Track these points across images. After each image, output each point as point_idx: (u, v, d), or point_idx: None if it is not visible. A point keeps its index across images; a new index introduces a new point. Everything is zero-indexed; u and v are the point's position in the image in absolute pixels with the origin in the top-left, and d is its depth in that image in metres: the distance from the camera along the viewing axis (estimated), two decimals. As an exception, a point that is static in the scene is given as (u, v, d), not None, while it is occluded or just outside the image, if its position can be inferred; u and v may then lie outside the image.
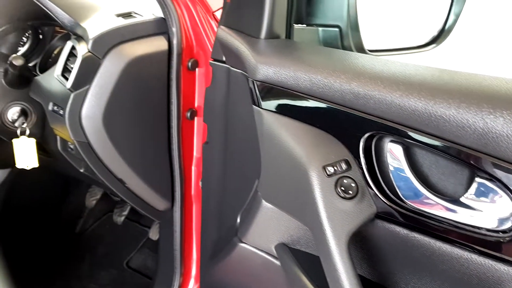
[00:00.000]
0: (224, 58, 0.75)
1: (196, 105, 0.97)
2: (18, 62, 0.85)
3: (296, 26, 0.67)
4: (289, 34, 0.66)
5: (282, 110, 0.58)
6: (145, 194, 0.98)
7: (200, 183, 1.03)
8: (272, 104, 0.59)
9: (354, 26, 0.65)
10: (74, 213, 1.58)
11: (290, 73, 0.55)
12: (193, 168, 1.03)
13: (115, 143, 0.87)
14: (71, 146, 0.91)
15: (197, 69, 0.94)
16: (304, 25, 0.69)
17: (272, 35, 0.64)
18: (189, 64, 0.91)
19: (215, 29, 0.90)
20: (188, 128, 0.98)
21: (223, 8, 0.73)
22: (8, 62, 0.85)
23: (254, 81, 0.60)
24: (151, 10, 0.93)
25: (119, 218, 1.43)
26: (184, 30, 0.88)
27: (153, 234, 1.40)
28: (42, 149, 1.04)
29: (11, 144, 1.11)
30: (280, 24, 0.64)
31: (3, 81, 0.89)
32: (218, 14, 0.90)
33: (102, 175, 0.90)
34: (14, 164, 1.34)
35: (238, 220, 0.75)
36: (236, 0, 0.68)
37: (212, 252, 0.86)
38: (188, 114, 0.96)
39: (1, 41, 1.12)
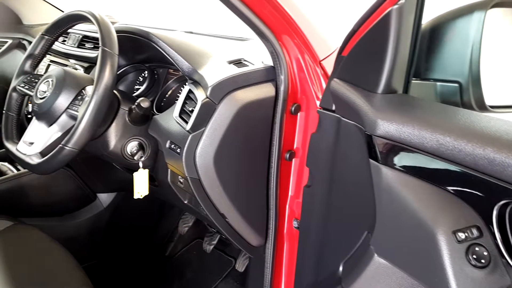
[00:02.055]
0: (333, 108, 0.77)
1: (294, 147, 1.01)
2: (145, 104, 0.95)
3: (412, 80, 0.68)
4: (406, 89, 0.67)
5: (404, 167, 0.58)
6: (242, 229, 1.02)
7: (293, 223, 1.05)
8: (392, 160, 0.60)
9: (476, 81, 0.64)
10: (166, 237, 1.67)
11: (414, 131, 0.56)
12: (287, 207, 1.06)
13: (221, 180, 0.92)
14: (181, 180, 0.98)
15: (299, 113, 0.98)
16: (421, 80, 0.70)
17: (389, 90, 0.65)
18: (292, 108, 0.96)
19: (321, 76, 0.94)
20: (285, 169, 1.02)
21: (337, 61, 0.76)
22: (136, 103, 0.96)
23: (373, 136, 0.61)
24: (259, 57, 1.00)
25: (209, 247, 1.49)
26: (291, 77, 0.93)
27: (239, 265, 1.43)
28: (151, 179, 1.13)
29: (118, 171, 1.23)
30: (399, 79, 0.65)
31: (127, 119, 1.00)
32: (325, 63, 0.93)
33: (207, 208, 0.96)
34: (120, 189, 1.48)
35: (341, 268, 0.75)
36: (353, 55, 0.70)
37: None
38: (287, 155, 0.99)
39: (121, 79, 1.27)
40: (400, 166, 0.60)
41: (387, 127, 0.59)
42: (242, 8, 0.84)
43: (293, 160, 1.01)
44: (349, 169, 0.72)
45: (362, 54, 0.69)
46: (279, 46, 0.89)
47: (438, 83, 0.69)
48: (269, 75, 0.94)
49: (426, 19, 0.68)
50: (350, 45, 0.71)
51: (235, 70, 0.92)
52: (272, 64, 0.94)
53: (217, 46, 1.09)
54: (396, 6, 0.61)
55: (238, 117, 0.89)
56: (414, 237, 0.55)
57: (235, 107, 0.88)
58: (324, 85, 0.93)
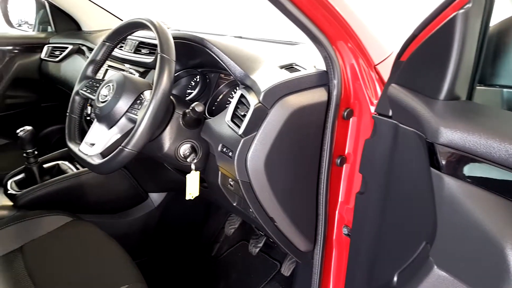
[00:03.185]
0: (390, 113, 0.76)
1: (346, 152, 0.99)
2: (200, 108, 0.98)
3: (477, 87, 0.65)
4: (470, 95, 0.64)
5: (469, 178, 0.56)
6: (290, 233, 1.02)
7: (343, 230, 1.03)
8: (456, 170, 0.58)
9: (547, 88, 0.61)
10: (212, 237, 1.71)
11: (481, 140, 0.53)
12: (336, 213, 1.05)
13: (271, 183, 0.93)
14: (231, 183, 1.00)
15: (351, 119, 0.96)
16: (486, 86, 0.67)
17: (452, 97, 0.63)
18: (345, 113, 0.94)
19: (375, 81, 0.92)
20: (336, 174, 1.01)
21: (394, 66, 0.74)
22: (191, 107, 0.98)
23: (435, 144, 0.59)
24: (311, 61, 0.99)
25: (254, 249, 1.50)
26: (344, 82, 0.92)
27: (285, 269, 1.43)
28: (201, 180, 1.15)
29: (170, 172, 1.27)
30: (462, 85, 0.63)
31: (181, 122, 1.03)
32: (380, 67, 0.91)
33: (256, 211, 0.97)
34: (171, 189, 1.53)
35: (395, 278, 0.73)
36: (413, 60, 0.69)
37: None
38: (338, 161, 0.98)
39: (175, 84, 1.31)
40: (464, 176, 0.57)
41: (451, 135, 0.57)
42: (296, 13, 0.84)
43: (344, 165, 1.00)
44: (407, 177, 0.70)
45: (423, 59, 0.67)
46: (333, 50, 0.89)
47: (505, 90, 0.65)
48: (322, 79, 0.93)
49: (493, 22, 0.65)
50: (410, 50, 0.69)
51: (287, 75, 0.92)
52: (324, 69, 0.93)
53: (268, 51, 1.10)
54: (462, 11, 0.58)
55: (290, 122, 0.89)
56: (479, 250, 0.53)
57: (287, 112, 0.89)
58: (378, 90, 0.91)
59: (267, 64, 1.00)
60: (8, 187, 1.37)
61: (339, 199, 1.04)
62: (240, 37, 1.41)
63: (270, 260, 1.54)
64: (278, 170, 0.93)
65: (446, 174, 0.58)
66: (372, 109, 0.91)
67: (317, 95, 0.92)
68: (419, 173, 0.64)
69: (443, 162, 0.59)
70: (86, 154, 1.00)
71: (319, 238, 1.05)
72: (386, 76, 0.88)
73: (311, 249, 1.07)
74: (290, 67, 0.98)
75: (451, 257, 0.59)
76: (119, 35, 1.11)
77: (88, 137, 1.04)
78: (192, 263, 1.67)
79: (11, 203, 1.30)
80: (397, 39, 0.89)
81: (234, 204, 1.06)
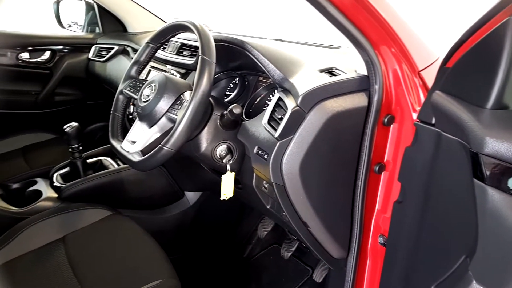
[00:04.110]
0: (433, 121, 0.73)
1: (385, 159, 0.97)
2: (237, 110, 0.99)
3: (528, 96, 0.61)
4: (520, 110, 0.61)
5: (515, 191, 0.53)
6: (323, 239, 1.01)
7: (379, 239, 1.01)
8: (501, 182, 0.55)
9: None
10: (244, 239, 1.72)
11: (530, 153, 0.51)
12: (372, 221, 1.02)
13: (306, 188, 0.92)
14: (265, 185, 1.00)
15: (392, 125, 0.94)
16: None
17: (500, 106, 0.60)
18: (385, 119, 0.92)
19: (419, 87, 0.89)
20: (374, 182, 0.98)
21: (439, 72, 0.72)
22: (229, 109, 1.00)
23: (479, 154, 0.57)
24: (352, 65, 0.98)
25: (286, 253, 1.50)
26: (386, 87, 0.89)
27: (317, 276, 1.42)
28: (236, 181, 1.16)
29: (206, 172, 1.29)
30: (511, 94, 0.60)
31: (218, 123, 1.04)
32: (424, 73, 0.89)
33: (290, 215, 0.96)
34: (206, 189, 1.56)
35: (432, 291, 0.71)
36: (460, 67, 0.66)
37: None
38: (376, 168, 0.96)
39: (214, 86, 1.33)
40: (509, 189, 0.55)
41: (497, 145, 0.55)
42: (338, 16, 0.83)
43: (383, 173, 0.98)
44: (447, 187, 0.67)
45: (470, 66, 0.64)
46: (375, 55, 0.87)
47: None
48: (362, 84, 0.92)
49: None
50: (456, 56, 0.67)
51: (326, 79, 0.91)
52: (365, 73, 0.92)
53: (309, 55, 1.10)
54: None
55: (327, 127, 0.88)
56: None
57: (325, 116, 0.88)
58: (422, 97, 0.88)
59: (306, 68, 0.99)
60: (54, 179, 1.44)
61: (376, 207, 1.01)
62: (281, 40, 1.41)
63: (302, 265, 1.53)
64: (313, 174, 0.92)
65: (490, 186, 0.56)
66: (415, 116, 0.88)
67: (357, 100, 0.91)
68: (461, 184, 0.62)
69: (487, 174, 0.56)
70: (127, 151, 1.03)
71: (353, 245, 1.03)
72: (430, 82, 0.85)
73: (345, 257, 1.05)
74: (330, 71, 0.97)
75: (491, 272, 0.56)
76: (162, 37, 1.14)
77: (130, 135, 1.07)
78: (225, 263, 1.69)
79: (56, 195, 1.36)
80: (443, 44, 0.86)
81: (268, 207, 1.06)
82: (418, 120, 0.77)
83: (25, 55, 2.04)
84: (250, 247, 1.69)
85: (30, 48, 2.05)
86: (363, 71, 0.92)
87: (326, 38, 1.31)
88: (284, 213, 0.97)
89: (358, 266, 1.06)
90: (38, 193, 1.35)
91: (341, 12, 0.81)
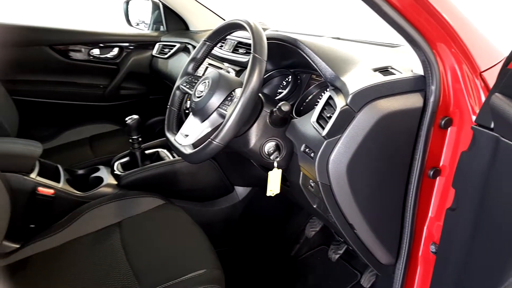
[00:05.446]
0: (492, 125, 0.68)
1: (441, 164, 0.92)
2: (286, 108, 0.99)
3: None
4: None
5: None
6: (370, 243, 0.98)
7: (431, 247, 0.96)
8: None
9: None
10: (292, 237, 1.71)
11: None
12: (425, 228, 0.98)
13: (353, 189, 0.90)
14: (312, 184, 0.99)
15: (449, 128, 0.89)
16: None
17: None
18: (442, 122, 0.88)
19: (480, 89, 0.84)
20: (427, 187, 0.94)
21: (501, 74, 0.67)
22: (277, 106, 1.00)
23: (541, 163, 0.52)
24: (409, 65, 0.94)
25: (334, 255, 1.47)
26: (443, 88, 0.85)
27: (365, 281, 1.38)
28: (284, 179, 1.16)
29: (254, 168, 1.30)
30: None
31: (267, 120, 1.05)
32: (487, 75, 0.83)
33: (335, 216, 0.95)
34: (255, 185, 1.57)
35: (484, 306, 0.66)
36: (523, 68, 0.61)
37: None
38: (431, 173, 0.91)
39: (267, 83, 1.34)
40: None
41: None
42: (393, 14, 0.80)
43: (438, 178, 0.93)
44: (505, 195, 0.63)
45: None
46: (432, 54, 0.83)
47: None
48: (418, 84, 0.88)
49: None
50: (521, 56, 0.62)
51: (380, 78, 0.89)
52: (422, 73, 0.88)
53: (364, 53, 1.07)
54: None
55: (378, 127, 0.86)
56: None
57: (376, 116, 0.85)
58: (483, 99, 0.83)
59: (360, 66, 0.97)
60: (115, 168, 1.54)
61: (429, 214, 0.96)
62: (338, 38, 1.39)
63: (351, 269, 1.49)
64: (361, 175, 0.90)
65: None
66: (474, 119, 0.82)
67: (411, 101, 0.87)
68: (520, 194, 0.57)
69: (550, 183, 0.51)
70: (180, 144, 1.08)
71: (403, 252, 0.99)
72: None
73: (393, 263, 1.02)
74: (384, 70, 0.94)
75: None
76: (218, 35, 1.17)
77: (184, 129, 1.12)
78: (271, 260, 1.70)
79: (115, 182, 1.45)
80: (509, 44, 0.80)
81: (314, 206, 1.05)
82: (475, 123, 0.72)
83: (96, 51, 2.20)
84: (298, 246, 1.69)
85: (101, 45, 2.20)
86: (420, 71, 0.88)
87: (387, 36, 1.26)
88: (329, 214, 0.96)
89: (407, 274, 1.01)
90: (100, 180, 1.45)
91: (396, 9, 0.78)
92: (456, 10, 0.81)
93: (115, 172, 1.51)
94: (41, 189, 1.27)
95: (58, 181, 1.37)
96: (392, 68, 0.94)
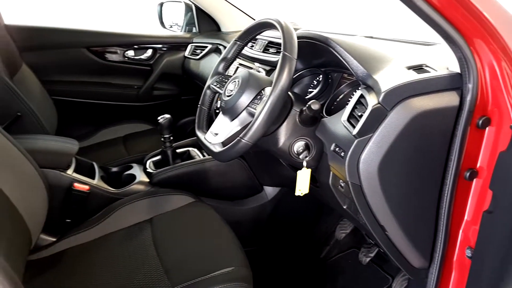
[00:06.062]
0: (533, 124, 0.65)
1: (478, 165, 0.88)
2: (315, 107, 0.98)
3: None
4: None
5: None
6: (402, 246, 0.96)
7: (466, 251, 0.92)
8: None
9: None
10: (322, 239, 1.69)
11: None
12: (460, 232, 0.94)
13: (384, 189, 0.88)
14: (342, 184, 0.98)
15: (487, 128, 0.85)
16: None
17: None
18: (479, 122, 0.84)
19: (521, 87, 0.80)
20: (463, 189, 0.90)
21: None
22: (307, 105, 1.00)
23: None
24: (445, 63, 0.91)
25: (365, 258, 1.44)
26: (481, 86, 0.82)
27: (397, 285, 1.34)
28: (313, 179, 1.15)
29: (284, 167, 1.29)
30: None
31: (297, 119, 1.04)
32: (529, 71, 0.79)
33: (366, 217, 0.93)
34: (284, 184, 1.57)
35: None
36: None
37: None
38: (467, 174, 0.88)
39: (297, 82, 1.33)
40: None
41: None
42: (428, 10, 0.78)
43: (475, 180, 0.89)
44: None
45: None
46: (469, 51, 0.80)
47: None
48: (454, 82, 0.85)
49: None
50: None
51: (413, 76, 0.86)
52: (458, 71, 0.85)
53: (398, 51, 1.04)
54: None
55: (411, 126, 0.83)
56: None
57: (409, 115, 0.83)
58: (524, 98, 0.79)
59: (393, 64, 0.95)
60: (147, 166, 1.58)
61: (465, 217, 0.93)
62: (371, 37, 1.36)
63: (382, 273, 1.46)
64: (393, 176, 0.88)
65: None
66: (514, 118, 0.79)
67: (446, 99, 0.84)
68: None
69: None
70: (210, 142, 1.09)
71: (437, 256, 0.96)
72: (535, 81, 0.75)
73: (426, 267, 0.99)
74: (419, 68, 0.91)
75: None
76: (248, 35, 1.18)
77: (213, 127, 1.13)
78: (299, 261, 1.69)
79: (147, 180, 1.49)
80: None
81: (344, 207, 1.03)
82: (515, 122, 0.69)
83: (130, 53, 2.26)
84: (328, 248, 1.66)
85: (135, 47, 2.27)
86: (456, 69, 0.85)
87: (422, 34, 1.23)
88: (360, 215, 0.94)
89: (441, 279, 0.98)
90: (133, 177, 1.49)
91: (431, 5, 0.76)
92: (496, 4, 0.77)
93: (147, 170, 1.54)
94: (77, 185, 1.32)
95: (93, 177, 1.42)
96: (427, 66, 0.92)
